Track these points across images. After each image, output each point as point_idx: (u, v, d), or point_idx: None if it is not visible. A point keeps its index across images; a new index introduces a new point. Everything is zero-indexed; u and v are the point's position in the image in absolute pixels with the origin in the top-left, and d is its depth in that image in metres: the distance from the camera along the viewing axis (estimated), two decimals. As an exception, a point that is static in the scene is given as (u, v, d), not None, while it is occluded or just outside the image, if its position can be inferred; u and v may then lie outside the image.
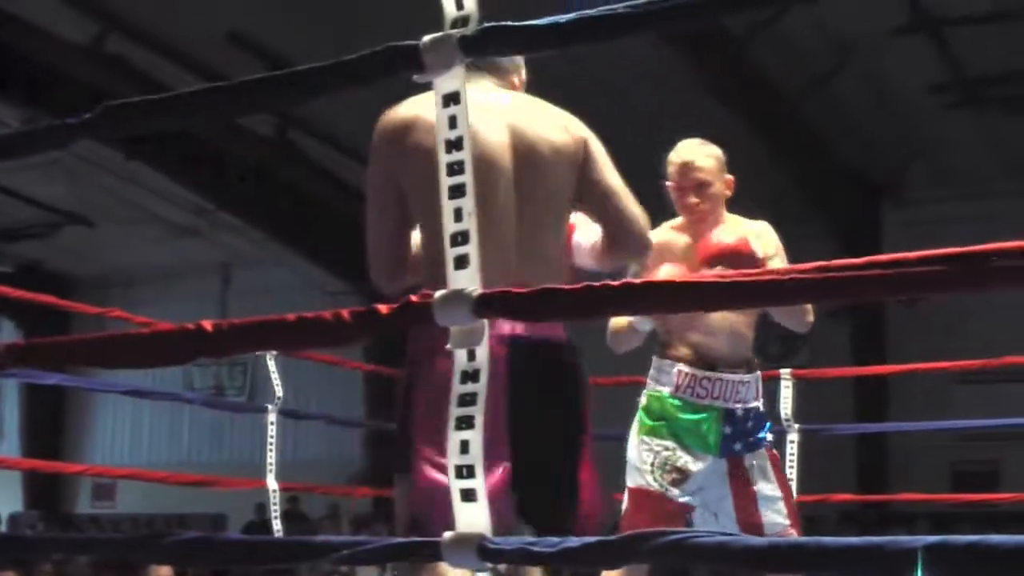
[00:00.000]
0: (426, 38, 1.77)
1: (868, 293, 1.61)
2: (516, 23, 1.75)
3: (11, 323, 16.48)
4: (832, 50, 9.93)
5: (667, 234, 3.82)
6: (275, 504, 5.70)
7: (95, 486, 16.93)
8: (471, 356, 1.71)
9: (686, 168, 3.81)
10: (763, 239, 3.79)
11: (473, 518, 1.64)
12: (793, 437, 5.36)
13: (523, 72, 2.84)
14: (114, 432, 17.20)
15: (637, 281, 1.62)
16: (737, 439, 3.75)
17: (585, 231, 2.94)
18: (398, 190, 2.60)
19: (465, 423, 1.68)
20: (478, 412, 1.69)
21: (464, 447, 1.67)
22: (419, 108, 2.51)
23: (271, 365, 5.93)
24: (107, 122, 1.98)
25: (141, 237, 14.79)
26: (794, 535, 3.73)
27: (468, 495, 1.65)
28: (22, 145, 2.23)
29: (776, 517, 3.72)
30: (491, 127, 2.56)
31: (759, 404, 3.85)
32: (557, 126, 2.65)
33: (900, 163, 12.00)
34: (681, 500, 3.67)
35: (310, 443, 13.89)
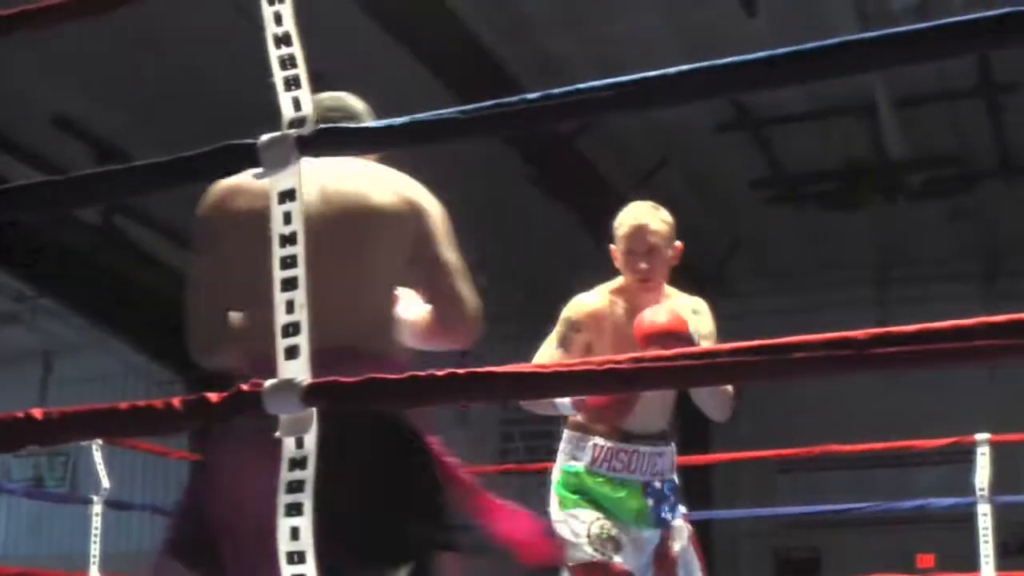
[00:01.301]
0: (264, 137, 1.83)
1: (680, 382, 1.71)
2: (351, 125, 1.83)
3: None
4: (657, 145, 10.24)
5: (604, 298, 3.77)
6: (98, 598, 5.59)
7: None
8: (299, 444, 1.76)
9: (640, 231, 3.77)
10: (700, 316, 3.77)
11: (301, 605, 1.68)
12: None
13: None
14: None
15: (462, 372, 1.68)
16: (661, 508, 3.77)
17: (409, 306, 2.75)
18: (218, 261, 2.56)
19: (295, 510, 1.72)
20: (307, 499, 1.73)
21: (294, 533, 1.71)
22: (240, 180, 2.44)
23: (96, 455, 5.85)
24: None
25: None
26: None
27: (297, 581, 1.69)
28: None
29: None
30: (317, 193, 2.49)
31: (675, 474, 3.88)
32: (390, 192, 2.57)
33: (724, 255, 12.38)
34: (624, 567, 3.63)
35: (133, 534, 13.56)
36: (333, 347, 2.18)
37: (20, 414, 1.86)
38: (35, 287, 13.12)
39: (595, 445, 3.73)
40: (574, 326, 3.71)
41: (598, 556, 3.59)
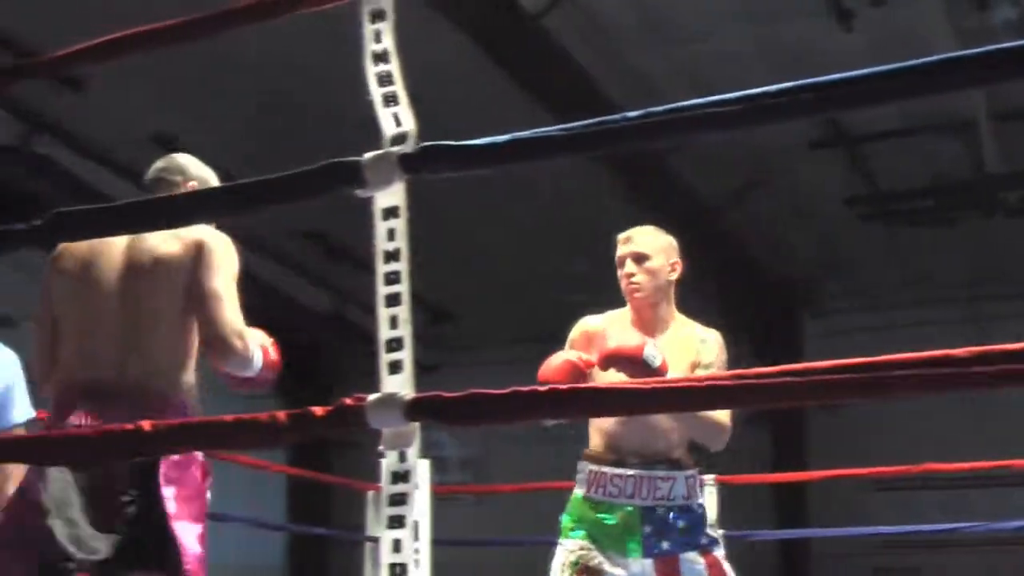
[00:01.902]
0: (368, 155, 1.87)
1: (779, 399, 1.71)
2: (454, 142, 1.86)
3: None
4: (752, 163, 10.19)
5: (604, 320, 3.74)
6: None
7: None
8: (402, 458, 1.79)
9: (623, 242, 3.77)
10: (706, 346, 3.69)
11: (402, 615, 1.70)
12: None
13: (193, 184, 3.17)
14: None
15: (561, 389, 1.70)
16: (663, 538, 3.58)
17: None
18: (49, 306, 3.03)
19: (397, 522, 1.75)
20: (409, 512, 1.76)
21: (396, 546, 1.74)
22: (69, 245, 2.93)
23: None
24: (55, 230, 2.05)
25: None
26: None
27: (400, 593, 1.71)
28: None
29: None
30: (115, 249, 2.98)
31: (692, 503, 3.66)
32: (173, 239, 2.92)
33: (818, 274, 12.27)
34: None
35: (227, 548, 13.70)
36: (112, 385, 2.75)
37: (129, 426, 1.91)
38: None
39: (590, 471, 3.66)
40: (570, 345, 3.72)
41: None
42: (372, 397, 1.77)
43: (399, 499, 1.74)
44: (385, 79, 1.93)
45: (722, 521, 5.54)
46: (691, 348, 3.69)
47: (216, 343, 2.88)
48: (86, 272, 2.98)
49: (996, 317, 11.46)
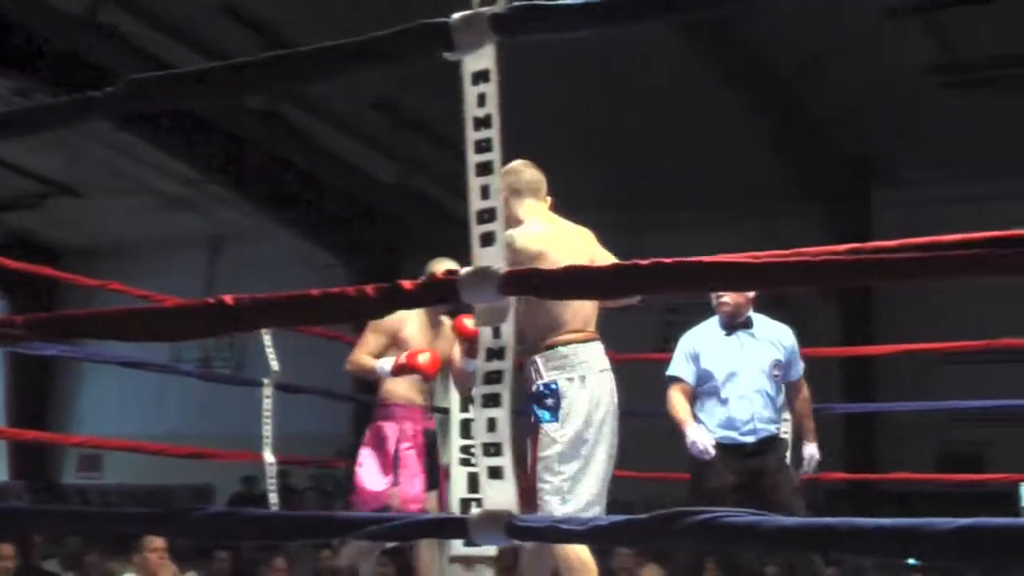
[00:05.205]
0: (456, 16, 1.77)
1: (876, 278, 1.62)
2: (546, 2, 1.75)
3: (-6, 293, 16.48)
4: (825, 31, 9.93)
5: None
6: (271, 477, 5.70)
7: (81, 456, 16.87)
8: (496, 333, 1.71)
9: None
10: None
11: (501, 495, 1.64)
12: (786, 416, 5.41)
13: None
14: (100, 402, 17.13)
15: (665, 261, 1.62)
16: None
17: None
18: None
19: (492, 401, 1.68)
20: (504, 390, 1.69)
21: (491, 425, 1.67)
22: None
23: (266, 339, 5.93)
24: (130, 97, 1.98)
25: (130, 208, 14.74)
26: None
27: (495, 472, 1.65)
28: (43, 118, 2.22)
29: None
30: None
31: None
32: None
33: (892, 144, 12.02)
34: None
35: (297, 416, 13.89)
36: None
37: (211, 300, 1.85)
38: (203, 171, 13.36)
39: None
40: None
41: None
42: (465, 270, 1.70)
43: (495, 377, 1.67)
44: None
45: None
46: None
47: None
48: None
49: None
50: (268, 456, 5.71)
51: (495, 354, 1.69)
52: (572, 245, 3.93)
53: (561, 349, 3.88)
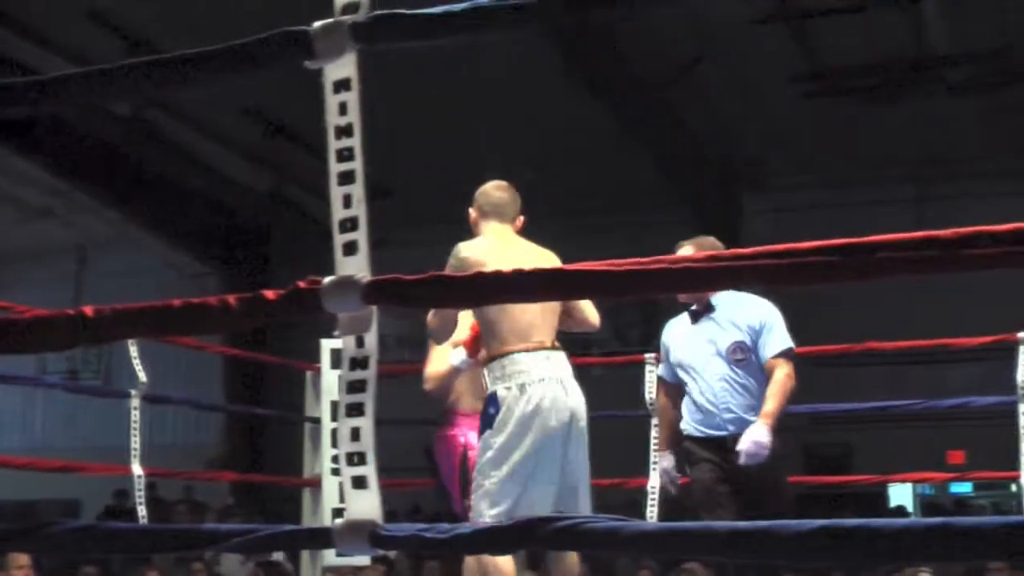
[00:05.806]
0: (317, 24, 1.76)
1: (771, 280, 1.65)
2: (407, 11, 1.75)
3: None
4: (695, 39, 10.07)
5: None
6: (139, 490, 5.61)
7: (-61, 470, 16.40)
8: (360, 343, 1.71)
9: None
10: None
11: (365, 505, 1.64)
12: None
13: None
14: (-37, 416, 16.68)
15: (508, 271, 1.62)
16: None
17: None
18: None
19: (356, 410, 1.67)
20: (368, 399, 1.69)
21: (355, 434, 1.67)
22: None
23: (132, 350, 5.84)
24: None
25: (-6, 218, 14.41)
26: None
27: (359, 482, 1.65)
28: None
29: None
30: None
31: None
32: None
33: (761, 151, 12.24)
34: None
35: (166, 428, 13.71)
36: None
37: (72, 312, 1.82)
38: (68, 181, 13.08)
39: None
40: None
41: None
42: (328, 280, 1.69)
43: (358, 386, 1.67)
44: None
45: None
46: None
47: None
48: None
49: (941, 197, 11.55)
50: (136, 469, 5.61)
51: (359, 363, 1.68)
52: (518, 263, 3.84)
53: (503, 360, 3.90)
